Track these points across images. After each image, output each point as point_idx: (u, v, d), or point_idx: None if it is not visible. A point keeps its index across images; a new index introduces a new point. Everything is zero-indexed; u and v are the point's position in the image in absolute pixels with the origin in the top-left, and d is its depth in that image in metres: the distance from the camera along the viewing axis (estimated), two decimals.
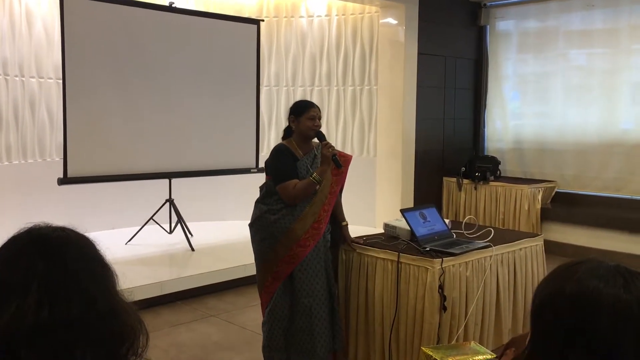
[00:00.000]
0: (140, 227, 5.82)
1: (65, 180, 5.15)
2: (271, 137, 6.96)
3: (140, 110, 5.57)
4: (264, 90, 6.87)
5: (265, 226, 3.13)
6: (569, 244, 6.11)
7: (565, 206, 6.56)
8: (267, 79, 7.03)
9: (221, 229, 6.46)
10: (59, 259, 0.95)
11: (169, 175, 5.79)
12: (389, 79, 6.59)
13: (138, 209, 5.98)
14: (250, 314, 4.47)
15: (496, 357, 2.11)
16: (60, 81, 5.23)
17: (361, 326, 3.40)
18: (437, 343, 3.05)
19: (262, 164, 6.10)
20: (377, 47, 6.68)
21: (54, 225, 1.01)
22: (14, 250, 0.96)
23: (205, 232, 6.23)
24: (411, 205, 6.51)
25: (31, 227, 1.00)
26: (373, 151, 6.82)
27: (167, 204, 5.87)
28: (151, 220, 5.82)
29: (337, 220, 3.38)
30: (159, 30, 5.64)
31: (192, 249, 5.65)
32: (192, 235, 5.86)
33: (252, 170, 6.16)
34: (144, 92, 5.58)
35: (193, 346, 3.97)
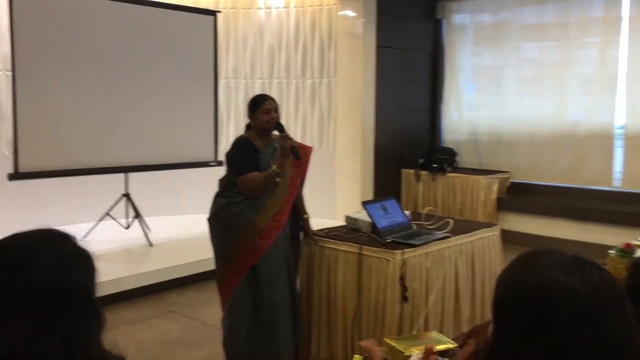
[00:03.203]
0: (95, 222, 5.68)
1: (15, 175, 4.98)
2: (230, 130, 6.89)
3: (94, 103, 5.43)
4: (222, 83, 6.80)
5: (226, 219, 3.11)
6: (524, 233, 6.26)
7: (519, 196, 6.73)
8: (225, 71, 6.95)
9: (180, 224, 6.37)
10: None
11: (125, 170, 5.67)
12: (348, 71, 6.61)
13: (93, 204, 5.83)
14: (211, 309, 4.43)
15: (457, 347, 2.14)
16: (10, 73, 5.05)
17: (323, 318, 3.41)
18: (399, 334, 3.09)
19: (221, 157, 6.06)
20: (336, 39, 6.69)
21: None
22: None
23: (163, 227, 6.13)
24: (371, 197, 6.56)
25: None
26: (333, 143, 6.84)
27: (124, 198, 5.75)
28: (107, 215, 5.70)
29: (299, 213, 3.38)
30: (112, 21, 5.50)
31: (151, 244, 5.56)
32: (150, 230, 5.76)
33: (210, 164, 6.09)
34: (98, 85, 5.44)
35: (153, 343, 3.91)
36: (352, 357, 3.19)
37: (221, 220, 3.13)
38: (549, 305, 0.93)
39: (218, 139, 6.33)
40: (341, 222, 3.77)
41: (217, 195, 3.20)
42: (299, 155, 3.12)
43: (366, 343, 1.55)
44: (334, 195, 6.74)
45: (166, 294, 4.80)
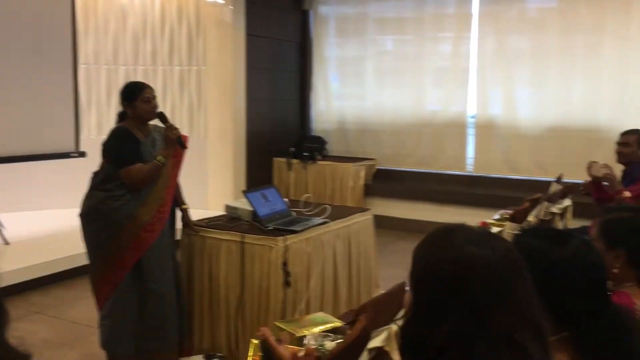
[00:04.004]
0: None
1: None
2: (92, 119, 6.52)
3: None
4: (81, 69, 6.39)
5: (106, 214, 2.96)
6: (390, 217, 6.62)
7: (384, 182, 7.10)
8: (85, 56, 6.55)
9: (37, 219, 5.93)
10: None
11: None
12: (218, 59, 6.53)
13: None
14: (80, 308, 4.21)
15: (348, 324, 2.25)
16: None
17: (205, 309, 3.39)
18: (282, 318, 3.16)
19: (83, 148, 5.72)
20: (205, 26, 6.57)
21: None
22: None
23: (19, 224, 5.66)
24: (243, 186, 6.57)
25: None
26: (204, 132, 6.73)
27: None
28: None
29: (178, 204, 3.31)
30: None
31: (7, 242, 5.13)
32: (4, 227, 5.30)
33: (72, 155, 5.72)
34: None
35: (20, 346, 3.63)
36: (238, 345, 3.22)
37: (100, 215, 2.98)
38: (467, 276, 1.02)
39: (79, 128, 5.96)
40: (214, 211, 3.76)
41: (93, 189, 3.03)
42: (185, 145, 3.07)
43: (264, 329, 1.58)
44: (205, 185, 6.65)
45: (29, 295, 4.46)
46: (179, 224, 3.37)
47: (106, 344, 3.06)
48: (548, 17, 6.33)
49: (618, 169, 4.27)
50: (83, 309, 4.12)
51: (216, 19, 6.49)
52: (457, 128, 6.83)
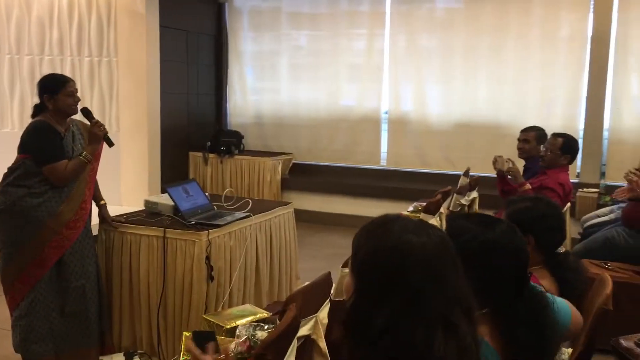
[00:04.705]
0: None
1: None
2: None
3: None
4: None
5: (25, 211, 2.83)
6: (306, 210, 6.72)
7: (301, 176, 7.19)
8: None
9: None
10: None
11: None
12: (130, 51, 6.33)
13: None
14: None
15: (276, 314, 2.30)
16: None
17: (125, 305, 3.33)
18: (205, 312, 3.16)
19: None
20: (116, 16, 6.35)
21: None
22: None
23: None
24: (158, 181, 6.44)
25: None
26: (116, 126, 6.51)
27: None
28: None
29: (95, 199, 3.23)
30: None
31: None
32: None
33: None
34: None
35: None
36: (160, 341, 3.19)
37: (19, 213, 2.84)
38: (406, 262, 1.11)
39: None
40: (128, 207, 3.70)
41: (9, 185, 2.88)
42: (112, 142, 3.00)
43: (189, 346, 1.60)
44: (117, 180, 6.45)
45: None
46: (95, 220, 3.28)
47: (20, 346, 2.93)
48: (455, 18, 6.64)
49: (520, 164, 4.59)
50: None
51: (128, 9, 6.30)
52: (371, 123, 7.03)
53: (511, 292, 1.50)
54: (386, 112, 7.02)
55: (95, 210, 3.27)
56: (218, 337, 2.04)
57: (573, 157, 4.15)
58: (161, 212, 3.45)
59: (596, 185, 5.74)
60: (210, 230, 3.18)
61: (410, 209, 4.46)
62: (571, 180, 4.25)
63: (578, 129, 6.02)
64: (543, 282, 2.01)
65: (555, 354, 1.84)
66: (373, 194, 6.58)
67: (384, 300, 1.10)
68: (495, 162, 4.28)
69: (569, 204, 4.28)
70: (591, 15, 5.95)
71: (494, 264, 1.50)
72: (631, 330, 2.38)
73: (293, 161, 7.30)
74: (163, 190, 3.58)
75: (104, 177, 6.12)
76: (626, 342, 2.23)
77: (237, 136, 7.17)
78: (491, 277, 1.49)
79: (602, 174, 6.02)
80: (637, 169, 3.95)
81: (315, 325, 2.26)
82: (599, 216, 4.69)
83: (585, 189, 5.62)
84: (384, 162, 7.07)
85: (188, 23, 6.96)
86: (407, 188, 6.37)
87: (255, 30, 7.55)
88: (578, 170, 6.03)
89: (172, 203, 3.38)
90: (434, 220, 3.93)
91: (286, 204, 4.13)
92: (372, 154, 7.07)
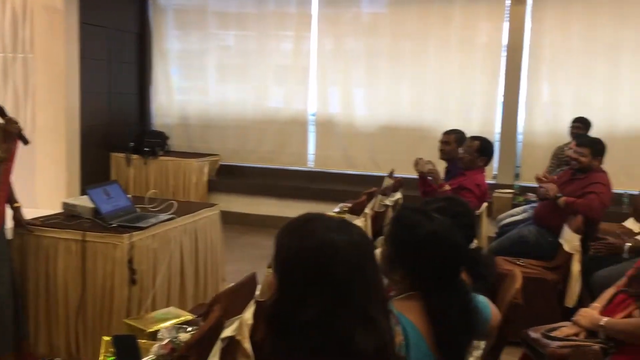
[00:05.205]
0: None
1: None
2: None
3: None
4: None
5: None
6: (233, 212, 6.67)
7: (228, 177, 7.13)
8: None
9: None
10: None
11: None
12: (48, 48, 6.08)
13: None
14: None
15: (200, 316, 2.29)
16: None
17: (42, 311, 3.20)
18: (127, 316, 3.09)
19: None
20: (32, 12, 6.08)
21: None
22: None
23: None
24: (77, 183, 6.22)
25: None
26: (31, 125, 6.22)
27: None
28: None
29: (9, 202, 3.09)
30: None
31: None
32: None
33: None
34: None
35: None
36: (79, 347, 3.09)
37: None
38: (329, 260, 1.14)
39: None
40: (44, 210, 3.57)
41: None
42: (27, 140, 2.88)
43: None
44: (32, 182, 6.17)
45: None
46: (10, 223, 3.14)
47: None
48: (380, 22, 6.79)
49: (442, 165, 4.76)
50: None
51: (45, 4, 6.04)
52: (298, 125, 7.07)
53: (446, 278, 1.66)
54: (313, 114, 7.08)
55: (10, 213, 3.13)
56: (140, 340, 2.01)
57: (489, 159, 4.35)
58: (80, 214, 3.34)
59: (511, 186, 6.02)
60: (132, 233, 3.11)
61: (336, 209, 4.53)
62: (488, 182, 4.45)
63: (495, 132, 6.31)
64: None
65: (474, 343, 1.95)
66: (300, 196, 6.62)
67: (308, 296, 1.13)
68: (416, 164, 4.42)
69: (485, 204, 4.48)
70: (506, 25, 6.24)
71: (432, 252, 1.65)
72: (541, 323, 2.52)
73: (220, 162, 7.23)
74: (83, 192, 3.47)
75: (16, 178, 5.87)
76: (534, 334, 2.36)
77: (161, 137, 7.02)
78: (431, 264, 1.64)
79: (517, 175, 6.34)
80: (546, 174, 4.19)
81: (240, 326, 2.26)
82: (513, 215, 4.93)
83: (501, 190, 5.89)
84: (311, 163, 7.13)
85: (110, 20, 6.76)
86: (333, 189, 6.45)
87: (180, 29, 7.43)
88: (495, 172, 6.32)
89: (92, 205, 3.28)
90: (358, 221, 4.01)
91: (212, 205, 4.10)
92: (300, 156, 7.11)
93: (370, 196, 4.33)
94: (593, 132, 5.19)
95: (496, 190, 5.85)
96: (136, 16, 7.25)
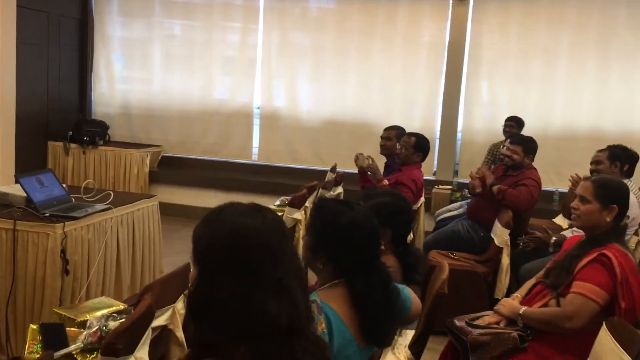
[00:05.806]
0: None
1: None
2: None
3: None
4: None
5: None
6: (176, 204, 6.61)
7: (171, 169, 7.05)
8: None
9: None
10: None
11: None
12: None
13: None
14: None
15: (132, 305, 2.28)
16: None
17: None
18: (60, 306, 3.04)
19: None
20: None
21: None
22: None
23: None
24: (12, 172, 6.00)
25: None
26: None
27: None
28: None
29: None
30: None
31: None
32: None
33: None
34: None
35: None
36: (9, 337, 3.02)
37: None
38: (244, 244, 1.18)
39: None
40: None
41: None
42: None
43: None
44: None
45: None
46: None
47: None
48: (326, 18, 6.84)
49: (382, 161, 4.86)
50: None
51: None
52: (243, 118, 7.05)
53: (366, 262, 1.75)
54: (258, 107, 7.07)
55: None
56: (69, 329, 1.99)
57: (425, 155, 4.47)
58: (12, 203, 3.25)
59: (450, 183, 6.20)
60: (65, 223, 3.05)
61: (277, 203, 4.57)
62: (428, 178, 4.57)
63: (436, 130, 6.47)
64: (390, 267, 2.18)
65: (396, 329, 2.03)
66: (244, 188, 6.60)
67: (224, 278, 1.17)
68: (356, 159, 4.50)
69: (422, 199, 4.60)
70: (449, 25, 6.40)
71: (355, 238, 1.75)
72: (472, 313, 2.62)
73: (162, 154, 7.14)
74: (16, 181, 3.38)
75: None
76: (459, 322, 2.47)
77: (102, 126, 6.87)
78: (351, 250, 1.73)
79: (456, 172, 6.52)
80: (485, 169, 4.34)
81: (172, 315, 2.28)
82: (450, 211, 5.09)
83: (440, 186, 6.05)
84: (255, 156, 7.12)
85: (49, 4, 6.56)
86: (277, 183, 6.48)
87: (125, 16, 7.27)
88: (435, 169, 6.49)
89: (24, 194, 3.20)
90: (298, 214, 4.06)
91: (151, 196, 4.05)
92: (244, 149, 7.10)
93: (311, 190, 4.38)
94: (527, 132, 5.39)
95: (435, 186, 6.01)
96: (78, 1, 7.05)
